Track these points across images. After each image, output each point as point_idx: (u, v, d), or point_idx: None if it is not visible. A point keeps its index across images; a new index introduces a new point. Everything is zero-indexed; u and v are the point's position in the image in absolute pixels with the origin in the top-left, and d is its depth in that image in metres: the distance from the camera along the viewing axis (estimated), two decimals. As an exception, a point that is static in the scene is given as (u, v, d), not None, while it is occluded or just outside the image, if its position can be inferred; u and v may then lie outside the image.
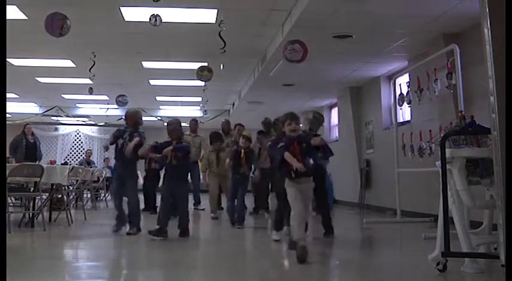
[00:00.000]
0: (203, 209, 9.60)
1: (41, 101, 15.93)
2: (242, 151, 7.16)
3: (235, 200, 7.21)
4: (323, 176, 6.25)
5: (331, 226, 6.02)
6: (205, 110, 14.50)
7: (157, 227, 5.62)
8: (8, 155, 9.97)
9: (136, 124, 6.29)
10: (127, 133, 6.18)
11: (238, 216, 7.02)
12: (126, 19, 7.36)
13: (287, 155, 4.41)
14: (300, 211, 4.46)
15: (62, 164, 11.66)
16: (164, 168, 6.31)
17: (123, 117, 6.47)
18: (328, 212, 6.24)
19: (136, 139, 6.00)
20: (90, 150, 16.04)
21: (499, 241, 3.26)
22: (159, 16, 6.32)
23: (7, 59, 9.36)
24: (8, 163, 8.07)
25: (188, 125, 9.77)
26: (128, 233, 5.84)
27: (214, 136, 8.37)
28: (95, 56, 9.05)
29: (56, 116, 17.10)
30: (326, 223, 6.05)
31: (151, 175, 9.23)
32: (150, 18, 6.32)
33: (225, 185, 8.29)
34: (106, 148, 6.36)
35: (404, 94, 7.93)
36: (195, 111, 15.76)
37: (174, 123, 6.02)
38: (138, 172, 6.51)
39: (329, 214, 6.17)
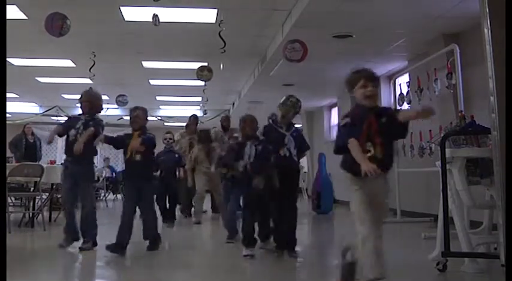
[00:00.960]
0: (205, 212, 9.28)
1: (41, 101, 15.93)
2: None
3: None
4: (298, 173, 5.00)
5: (295, 238, 4.73)
6: (205, 110, 14.49)
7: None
8: (8, 154, 9.97)
9: (95, 109, 5.12)
10: (81, 122, 5.00)
11: (229, 228, 5.73)
12: (126, 19, 7.35)
13: (352, 144, 2.88)
14: (373, 229, 2.88)
15: (62, 164, 11.65)
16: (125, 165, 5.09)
17: (79, 99, 5.16)
18: (296, 222, 4.80)
19: (90, 130, 4.86)
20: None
21: (499, 241, 3.26)
22: (157, 16, 6.31)
23: (7, 59, 9.36)
24: (8, 162, 8.08)
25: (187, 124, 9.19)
26: (80, 249, 4.85)
27: (203, 136, 7.88)
28: (95, 56, 9.04)
29: (56, 116, 17.09)
30: (290, 236, 4.72)
31: None
32: (152, 18, 6.29)
33: (213, 186, 7.73)
34: (49, 142, 5.25)
35: (404, 94, 7.94)
36: (195, 111, 15.74)
37: (138, 110, 5.00)
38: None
39: (295, 225, 4.79)
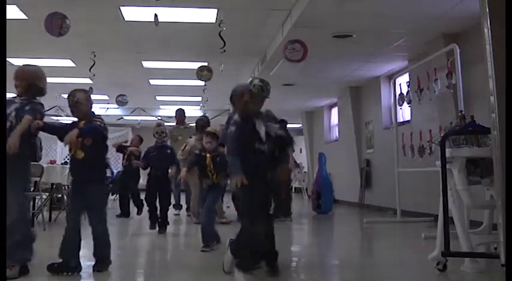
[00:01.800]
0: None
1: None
2: (207, 155, 5.07)
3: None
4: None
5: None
6: (205, 110, 14.50)
7: (60, 260, 3.81)
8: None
9: (32, 90, 4.02)
10: (14, 107, 3.89)
11: (204, 233, 4.97)
12: (126, 19, 7.35)
13: None
14: None
15: (62, 164, 11.63)
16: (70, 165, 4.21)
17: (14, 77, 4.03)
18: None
19: (25, 119, 3.73)
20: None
21: (499, 241, 3.26)
22: (157, 16, 6.30)
23: (7, 59, 9.35)
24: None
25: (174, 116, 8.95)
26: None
27: (201, 124, 7.09)
28: (95, 55, 9.05)
29: (56, 116, 17.10)
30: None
31: (131, 172, 8.03)
32: (154, 18, 6.27)
33: None
34: None
35: (404, 94, 7.95)
36: (195, 111, 15.77)
37: (77, 93, 3.95)
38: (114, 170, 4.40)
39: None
